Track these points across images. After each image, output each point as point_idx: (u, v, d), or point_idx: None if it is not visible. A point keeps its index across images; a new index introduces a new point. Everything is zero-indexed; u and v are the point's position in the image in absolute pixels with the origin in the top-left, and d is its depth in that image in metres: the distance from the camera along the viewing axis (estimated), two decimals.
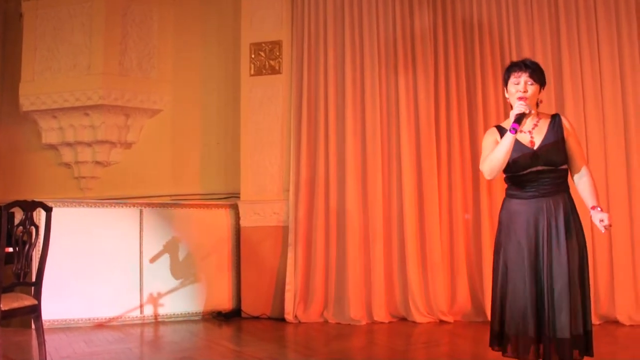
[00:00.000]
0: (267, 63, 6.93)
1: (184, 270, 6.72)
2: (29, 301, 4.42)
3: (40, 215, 5.23)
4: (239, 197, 6.97)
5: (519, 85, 3.40)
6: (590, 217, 3.37)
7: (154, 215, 6.68)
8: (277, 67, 6.91)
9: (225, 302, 6.86)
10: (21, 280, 4.38)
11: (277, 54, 6.92)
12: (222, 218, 6.96)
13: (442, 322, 6.21)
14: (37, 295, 4.48)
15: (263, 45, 6.96)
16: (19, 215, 4.46)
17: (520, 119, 3.30)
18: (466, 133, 6.41)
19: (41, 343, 4.46)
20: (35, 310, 4.45)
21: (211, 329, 6.22)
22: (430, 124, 6.46)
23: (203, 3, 7.72)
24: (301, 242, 6.58)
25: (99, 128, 7.42)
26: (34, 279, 4.52)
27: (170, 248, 6.67)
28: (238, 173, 7.00)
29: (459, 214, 6.36)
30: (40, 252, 4.56)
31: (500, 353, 3.48)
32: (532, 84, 3.40)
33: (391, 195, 6.50)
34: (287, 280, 6.54)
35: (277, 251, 6.76)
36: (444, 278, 6.34)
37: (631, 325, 5.82)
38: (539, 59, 6.14)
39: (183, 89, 7.65)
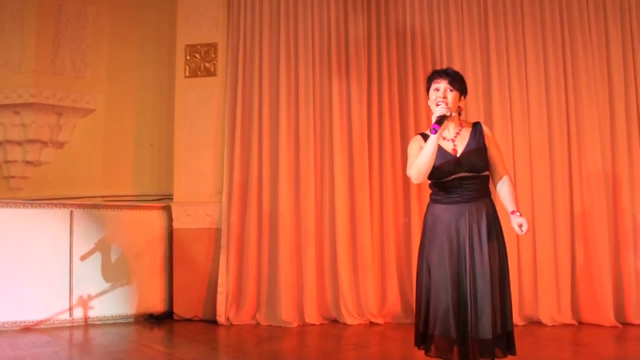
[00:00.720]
0: (202, 65, 6.92)
1: (116, 273, 6.65)
2: None
3: None
4: (172, 199, 6.94)
5: (439, 91, 3.50)
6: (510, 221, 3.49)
7: (85, 216, 6.59)
8: (212, 70, 6.91)
9: (157, 305, 6.82)
10: None
11: (213, 56, 6.92)
12: (154, 220, 6.92)
13: (372, 323, 6.30)
14: None
15: (199, 47, 6.95)
16: None
17: (441, 120, 3.38)
18: (397, 138, 6.55)
19: None
20: None
21: (142, 332, 6.18)
22: (363, 128, 6.56)
23: (140, 3, 7.67)
24: (234, 244, 6.59)
25: (29, 127, 7.29)
26: None
27: (101, 249, 6.59)
28: (172, 174, 6.99)
29: (390, 218, 6.48)
30: None
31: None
32: (451, 91, 3.50)
33: (323, 198, 6.57)
34: (220, 282, 6.54)
35: (209, 253, 6.75)
36: (375, 280, 6.43)
37: (553, 326, 6.01)
38: (468, 66, 6.42)
39: (117, 88, 7.58)
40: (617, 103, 6.27)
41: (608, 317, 5.95)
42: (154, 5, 7.59)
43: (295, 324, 6.31)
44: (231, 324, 6.44)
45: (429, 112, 6.37)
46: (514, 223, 3.46)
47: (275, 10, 6.81)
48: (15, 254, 6.22)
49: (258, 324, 6.43)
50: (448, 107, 3.42)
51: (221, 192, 6.73)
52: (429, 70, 6.36)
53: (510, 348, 3.48)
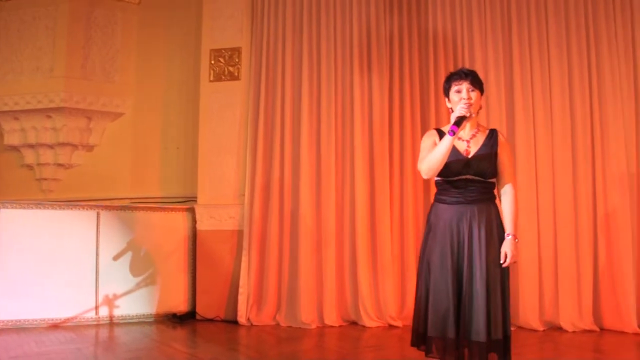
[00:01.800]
0: (226, 69, 7.03)
1: (140, 273, 6.79)
2: None
3: None
4: (196, 201, 7.06)
5: (462, 92, 3.51)
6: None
7: (112, 217, 6.75)
8: (236, 74, 7.01)
9: (180, 304, 6.93)
10: None
11: (236, 60, 7.02)
12: (179, 221, 7.05)
13: (391, 326, 6.31)
14: None
15: (223, 51, 7.06)
16: None
17: (460, 121, 3.39)
18: (418, 140, 6.46)
19: None
20: None
21: (164, 331, 6.29)
22: (384, 131, 6.58)
23: (167, 9, 7.81)
24: (255, 246, 6.67)
25: (60, 130, 7.50)
26: None
27: (127, 250, 6.75)
28: (197, 177, 7.09)
29: (410, 220, 6.47)
30: None
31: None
32: (473, 90, 3.51)
33: (344, 200, 6.60)
34: (241, 283, 6.62)
35: (232, 255, 6.84)
36: (394, 283, 6.43)
37: (574, 332, 5.93)
38: (490, 68, 6.41)
39: (145, 93, 7.74)
40: None
41: (630, 324, 5.86)
42: (181, 11, 7.73)
43: (314, 326, 6.36)
44: (252, 325, 6.52)
45: (449, 113, 6.44)
46: (502, 249, 3.44)
47: (299, 15, 6.88)
48: (45, 253, 6.41)
49: (278, 325, 6.49)
50: (469, 109, 3.44)
51: (244, 195, 6.81)
52: (452, 68, 6.41)
53: (506, 354, 3.45)
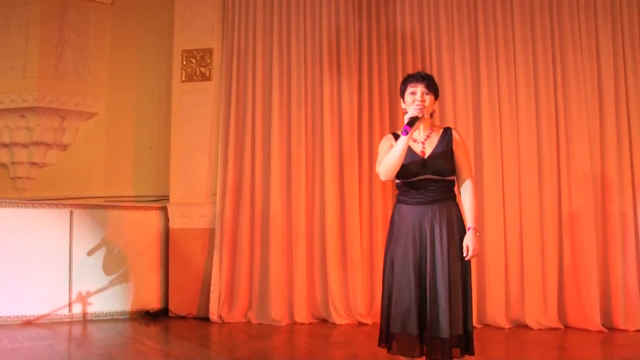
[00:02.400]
0: (198, 70, 7.11)
1: (114, 270, 6.86)
2: None
3: None
4: (169, 200, 7.13)
5: (416, 95, 3.59)
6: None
7: (85, 216, 6.82)
8: (207, 74, 7.09)
9: (153, 302, 7.02)
10: None
11: (208, 61, 7.10)
12: (152, 220, 7.12)
13: (360, 324, 6.40)
14: None
15: (194, 52, 7.13)
16: None
17: (413, 122, 3.46)
18: None
19: None
20: None
21: (137, 328, 6.37)
22: (353, 131, 6.68)
23: (140, 10, 7.86)
24: (227, 245, 6.75)
25: (34, 130, 7.54)
26: None
27: (100, 248, 6.82)
28: (169, 176, 7.17)
29: (379, 218, 6.56)
30: None
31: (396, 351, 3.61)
32: (427, 94, 3.59)
33: (314, 199, 6.69)
34: (213, 281, 6.71)
35: (204, 253, 6.93)
36: (363, 282, 6.52)
37: (539, 329, 6.03)
38: (457, 67, 6.50)
39: (118, 93, 7.79)
40: (606, 105, 6.27)
41: (594, 322, 5.95)
42: (153, 12, 7.78)
43: (285, 323, 6.45)
44: (223, 322, 6.60)
45: None
46: (464, 242, 3.53)
47: (269, 16, 6.96)
48: (19, 251, 6.48)
49: (249, 322, 6.58)
50: (422, 110, 3.51)
51: (215, 194, 6.89)
52: (419, 69, 6.44)
53: (468, 349, 3.54)
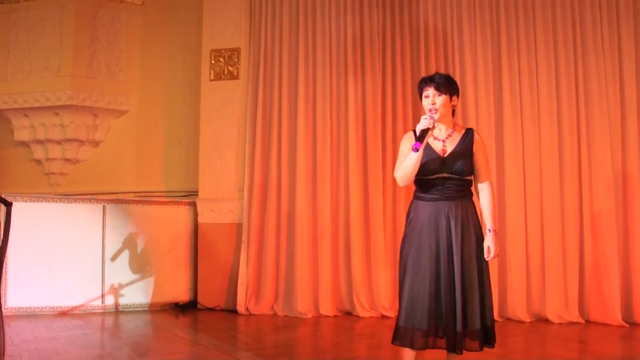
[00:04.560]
0: (226, 69, 7.27)
1: (145, 263, 7.07)
2: None
3: (1, 210, 5.54)
4: (198, 195, 7.30)
5: (428, 98, 3.65)
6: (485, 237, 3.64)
7: (117, 211, 7.03)
8: (235, 73, 7.24)
9: (182, 294, 7.20)
10: None
11: (236, 60, 7.26)
12: (181, 215, 7.31)
13: (384, 316, 6.51)
14: None
15: (223, 51, 7.29)
16: None
17: (422, 135, 3.51)
18: None
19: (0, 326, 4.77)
20: None
21: (166, 319, 6.55)
22: (377, 128, 6.79)
23: (169, 10, 8.04)
24: (254, 239, 6.91)
25: (68, 127, 7.78)
26: None
27: (131, 242, 7.02)
28: (198, 172, 7.33)
29: (402, 213, 6.53)
30: None
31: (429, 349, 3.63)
32: (439, 95, 3.63)
33: (339, 195, 6.81)
34: (240, 274, 6.87)
35: (231, 247, 7.08)
36: (387, 276, 6.63)
37: (560, 324, 6.10)
38: (479, 65, 6.53)
39: (148, 91, 8.00)
40: (628, 104, 6.30)
41: (615, 317, 5.99)
42: (183, 13, 7.95)
43: (310, 315, 6.59)
44: (250, 314, 6.76)
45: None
46: (485, 244, 3.61)
47: (295, 15, 7.10)
48: (53, 245, 6.71)
49: (275, 314, 6.72)
50: (432, 119, 3.53)
51: (243, 190, 7.04)
52: (441, 69, 6.57)
53: (488, 341, 3.60)
